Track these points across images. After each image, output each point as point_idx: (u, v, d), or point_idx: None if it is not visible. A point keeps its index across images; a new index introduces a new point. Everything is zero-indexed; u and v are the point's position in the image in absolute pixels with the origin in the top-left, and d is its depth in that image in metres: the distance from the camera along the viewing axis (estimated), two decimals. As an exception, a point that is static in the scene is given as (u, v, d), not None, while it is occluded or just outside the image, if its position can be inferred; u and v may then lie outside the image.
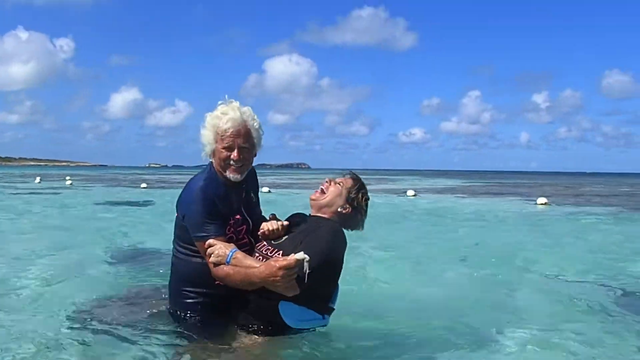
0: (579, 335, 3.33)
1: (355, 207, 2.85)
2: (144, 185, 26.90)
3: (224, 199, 2.71)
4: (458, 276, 5.43)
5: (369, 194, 2.97)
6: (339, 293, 2.93)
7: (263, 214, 3.02)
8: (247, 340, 2.71)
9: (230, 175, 2.70)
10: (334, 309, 2.85)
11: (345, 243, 2.78)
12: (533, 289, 4.83)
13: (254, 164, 2.87)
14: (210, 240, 2.59)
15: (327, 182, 2.90)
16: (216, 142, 2.68)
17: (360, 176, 2.96)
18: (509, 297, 4.49)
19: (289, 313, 2.61)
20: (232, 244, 2.62)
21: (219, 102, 2.75)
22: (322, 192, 2.87)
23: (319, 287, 2.61)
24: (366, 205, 2.90)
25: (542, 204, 15.73)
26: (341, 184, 2.88)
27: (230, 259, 2.53)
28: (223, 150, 2.66)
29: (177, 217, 2.81)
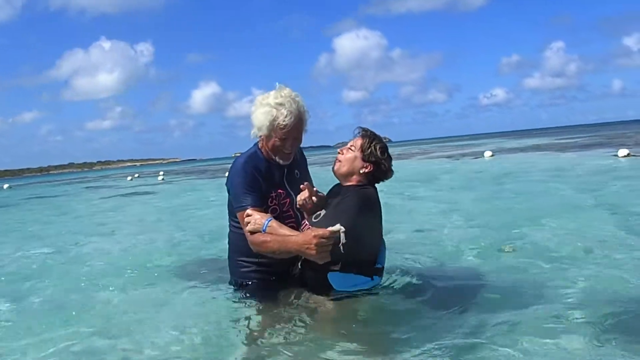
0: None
1: (375, 162, 2.84)
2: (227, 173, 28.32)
3: (265, 173, 2.87)
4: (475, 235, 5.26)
5: (386, 144, 2.91)
6: (386, 253, 2.99)
7: None
8: (300, 303, 2.90)
9: (280, 160, 2.89)
10: (383, 268, 2.94)
11: (374, 205, 2.83)
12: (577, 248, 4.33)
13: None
14: (249, 210, 2.73)
15: (339, 152, 2.92)
16: (271, 131, 2.78)
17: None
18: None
19: (338, 282, 2.75)
20: (268, 214, 2.75)
21: (275, 86, 2.84)
22: (339, 161, 2.89)
23: (358, 254, 2.69)
24: (383, 153, 2.86)
25: (624, 155, 14.69)
26: (353, 147, 2.87)
27: (266, 227, 2.66)
28: (278, 141, 2.80)
29: (227, 192, 3.02)
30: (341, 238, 2.45)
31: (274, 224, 2.67)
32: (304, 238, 2.47)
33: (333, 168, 2.92)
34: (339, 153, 2.91)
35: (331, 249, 2.45)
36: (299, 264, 2.98)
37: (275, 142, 2.82)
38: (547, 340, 2.44)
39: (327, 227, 2.56)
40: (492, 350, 2.39)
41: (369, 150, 2.84)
